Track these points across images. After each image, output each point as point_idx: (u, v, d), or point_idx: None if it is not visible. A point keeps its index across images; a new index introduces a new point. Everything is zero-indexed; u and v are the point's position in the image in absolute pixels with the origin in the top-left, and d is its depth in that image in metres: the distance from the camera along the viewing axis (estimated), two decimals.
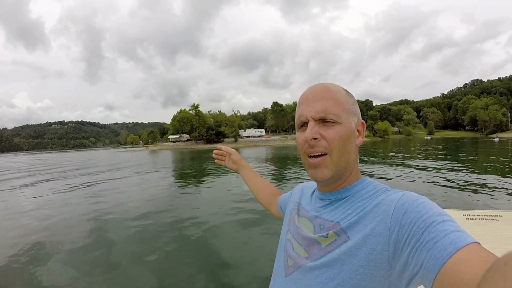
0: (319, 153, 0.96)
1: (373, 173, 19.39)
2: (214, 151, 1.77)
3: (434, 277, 0.63)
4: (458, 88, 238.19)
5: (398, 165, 23.87)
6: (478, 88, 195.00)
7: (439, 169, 20.80)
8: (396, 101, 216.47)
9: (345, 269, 0.85)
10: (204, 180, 18.79)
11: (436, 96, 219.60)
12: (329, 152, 0.96)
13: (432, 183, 14.95)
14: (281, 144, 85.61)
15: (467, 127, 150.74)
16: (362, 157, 33.56)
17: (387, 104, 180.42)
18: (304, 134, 0.99)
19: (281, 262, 1.10)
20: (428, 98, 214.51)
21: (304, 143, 0.99)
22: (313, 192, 1.18)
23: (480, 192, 12.44)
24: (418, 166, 23.01)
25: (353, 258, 0.84)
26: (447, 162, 25.54)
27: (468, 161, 26.43)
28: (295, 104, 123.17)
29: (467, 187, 13.76)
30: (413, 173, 19.44)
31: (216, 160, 1.78)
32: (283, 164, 28.08)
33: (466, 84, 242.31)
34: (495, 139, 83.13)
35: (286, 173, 21.54)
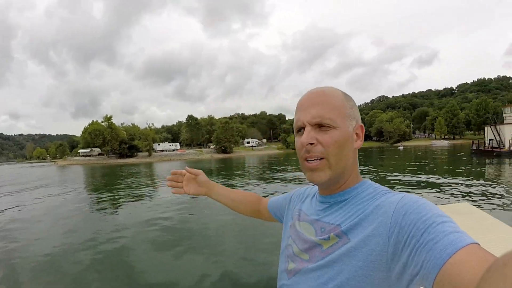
0: (316, 158, 0.98)
1: (291, 182, 20.87)
2: (168, 177, 1.56)
3: (434, 277, 0.64)
4: (366, 103, 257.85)
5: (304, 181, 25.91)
6: (384, 103, 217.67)
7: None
8: None
9: (345, 270, 0.87)
10: (120, 199, 18.36)
11: None
12: (325, 156, 0.97)
13: None
14: (196, 158, 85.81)
15: (374, 138, 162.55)
16: (276, 170, 35.20)
17: None
18: (300, 139, 1.00)
19: (283, 267, 1.13)
20: None
21: (301, 148, 1.00)
22: (313, 196, 1.20)
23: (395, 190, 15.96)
24: None
25: (352, 259, 0.86)
26: (360, 167, 29.07)
27: (379, 165, 30.51)
28: (210, 117, 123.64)
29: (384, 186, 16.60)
30: None
31: (172, 190, 1.56)
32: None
33: (373, 99, 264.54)
34: (400, 147, 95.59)
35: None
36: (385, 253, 0.81)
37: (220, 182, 24.33)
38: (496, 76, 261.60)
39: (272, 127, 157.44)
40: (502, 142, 42.83)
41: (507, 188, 15.99)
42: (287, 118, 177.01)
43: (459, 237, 0.67)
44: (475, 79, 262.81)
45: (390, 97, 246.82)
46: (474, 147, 50.12)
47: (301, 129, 1.02)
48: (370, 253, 0.83)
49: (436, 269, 0.64)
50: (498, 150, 41.21)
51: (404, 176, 22.11)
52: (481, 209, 7.51)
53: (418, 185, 18.18)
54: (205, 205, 15.82)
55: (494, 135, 44.51)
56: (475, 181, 18.68)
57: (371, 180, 1.04)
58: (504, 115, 46.79)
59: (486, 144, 46.98)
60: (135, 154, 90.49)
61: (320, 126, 0.98)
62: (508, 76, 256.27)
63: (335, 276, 0.89)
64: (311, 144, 0.97)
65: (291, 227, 1.19)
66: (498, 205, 12.01)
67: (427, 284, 0.67)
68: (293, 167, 40.25)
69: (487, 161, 34.69)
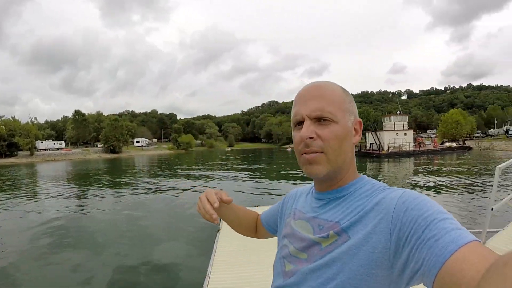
0: (314, 152, 0.96)
1: (181, 186, 22.79)
2: (205, 210, 1.13)
3: (435, 274, 0.64)
4: (257, 107, 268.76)
5: (200, 178, 28.16)
6: (274, 108, 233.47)
7: (242, 177, 27.76)
8: (199, 116, 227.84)
9: (346, 269, 0.85)
10: None
11: (237, 112, 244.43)
12: (325, 151, 0.95)
13: (233, 189, 19.88)
14: (82, 158, 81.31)
15: (263, 140, 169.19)
16: (168, 170, 36.19)
17: (191, 118, 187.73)
18: (299, 133, 0.98)
19: (278, 269, 1.11)
20: (230, 114, 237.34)
21: (300, 142, 0.98)
22: (308, 193, 1.18)
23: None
24: (220, 176, 29.42)
25: (354, 257, 0.85)
26: (248, 172, 32.99)
27: (272, 164, 34.13)
28: (98, 114, 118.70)
29: (271, 189, 19.85)
30: (215, 183, 24.81)
31: (216, 220, 1.12)
32: (84, 182, 27.40)
33: (264, 104, 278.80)
34: (289, 149, 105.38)
35: (87, 192, 21.19)
36: (387, 250, 0.80)
37: (109, 181, 24.82)
38: (378, 90, 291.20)
39: (163, 126, 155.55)
40: (381, 146, 51.92)
41: (386, 182, 20.97)
42: (178, 118, 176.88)
43: (460, 234, 0.67)
44: (360, 91, 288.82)
45: (280, 102, 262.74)
46: (356, 149, 57.67)
47: (299, 123, 1.01)
48: (372, 250, 0.83)
49: (437, 267, 0.64)
50: (378, 152, 50.36)
51: (298, 172, 27.03)
52: None
53: (309, 179, 21.94)
54: (91, 203, 16.78)
55: (374, 140, 53.61)
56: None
57: (366, 176, 1.07)
58: (383, 123, 58.12)
59: (368, 147, 56.03)
60: (15, 153, 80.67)
61: (319, 120, 0.96)
62: (388, 91, 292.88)
63: (335, 276, 0.87)
64: (311, 138, 0.95)
65: (286, 227, 1.18)
66: None
67: (427, 281, 0.67)
68: (184, 166, 41.77)
69: (368, 160, 43.36)
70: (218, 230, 7.41)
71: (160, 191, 20.16)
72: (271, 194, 17.98)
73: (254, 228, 1.48)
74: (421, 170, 29.69)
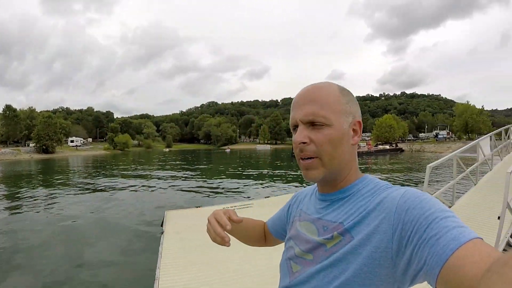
0: (309, 157, 0.97)
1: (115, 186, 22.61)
2: (216, 233, 1.10)
3: (437, 273, 0.65)
4: (196, 107, 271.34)
5: (138, 177, 28.49)
6: (213, 109, 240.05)
7: (181, 177, 28.67)
8: (137, 115, 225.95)
9: (350, 268, 0.86)
10: None
11: (176, 112, 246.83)
12: (318, 155, 0.96)
13: (173, 189, 20.21)
14: (12, 158, 71.62)
15: (202, 141, 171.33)
16: (106, 171, 35.86)
17: (128, 117, 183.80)
18: (294, 138, 0.99)
19: (285, 270, 1.11)
20: (168, 114, 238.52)
21: (295, 147, 0.99)
22: (312, 194, 1.18)
23: (238, 192, 19.02)
24: (159, 176, 29.81)
25: (357, 257, 0.86)
26: (187, 171, 34.52)
27: (208, 169, 36.25)
28: (30, 109, 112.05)
29: (215, 188, 20.56)
30: (154, 182, 24.74)
31: (227, 243, 1.09)
32: (16, 184, 24.70)
33: (203, 104, 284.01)
34: (227, 150, 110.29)
35: (18, 194, 19.59)
36: (389, 249, 0.81)
37: (43, 183, 24.25)
38: None
39: (99, 125, 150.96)
40: None
41: None
42: (115, 116, 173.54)
43: (462, 232, 0.67)
44: None
45: (220, 103, 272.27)
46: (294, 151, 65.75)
47: (296, 127, 1.02)
48: (374, 250, 0.84)
49: (439, 265, 0.65)
50: None
51: (237, 171, 29.59)
52: None
53: (249, 177, 26.00)
54: (24, 205, 15.82)
55: None
56: (297, 174, 27.34)
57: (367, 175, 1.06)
58: None
59: None
60: None
61: (313, 124, 0.96)
62: None
63: (340, 275, 0.88)
64: (304, 143, 0.96)
65: (291, 229, 1.18)
66: None
67: (430, 280, 0.68)
68: (121, 166, 41.50)
69: None
70: (162, 233, 7.39)
71: (96, 191, 19.85)
72: (213, 193, 18.40)
73: (263, 238, 1.47)
74: None
